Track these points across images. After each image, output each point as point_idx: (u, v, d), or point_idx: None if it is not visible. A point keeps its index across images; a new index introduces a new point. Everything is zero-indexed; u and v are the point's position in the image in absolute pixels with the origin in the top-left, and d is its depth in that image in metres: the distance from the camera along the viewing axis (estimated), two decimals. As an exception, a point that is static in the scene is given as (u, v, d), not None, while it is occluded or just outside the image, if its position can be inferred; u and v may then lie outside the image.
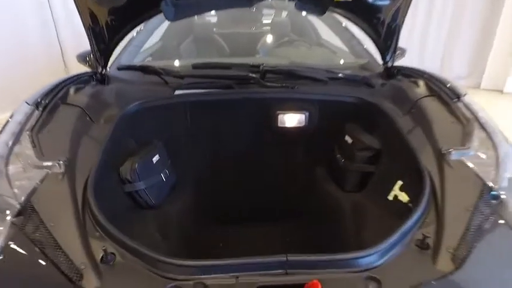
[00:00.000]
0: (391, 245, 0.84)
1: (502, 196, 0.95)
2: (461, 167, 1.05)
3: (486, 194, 0.96)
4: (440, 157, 1.10)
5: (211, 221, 1.70)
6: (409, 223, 0.89)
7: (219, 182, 1.65)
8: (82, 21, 1.49)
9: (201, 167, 1.60)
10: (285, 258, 0.78)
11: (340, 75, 1.67)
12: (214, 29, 2.70)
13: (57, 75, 4.40)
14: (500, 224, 0.90)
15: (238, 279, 0.75)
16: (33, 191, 0.94)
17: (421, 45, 5.68)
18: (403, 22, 1.58)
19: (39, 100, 1.27)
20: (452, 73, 5.71)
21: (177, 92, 1.56)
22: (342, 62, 2.16)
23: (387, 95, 1.58)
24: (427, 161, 1.11)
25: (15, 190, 0.94)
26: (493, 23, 5.12)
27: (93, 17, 1.51)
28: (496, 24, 5.04)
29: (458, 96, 1.35)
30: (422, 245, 0.85)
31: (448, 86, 1.42)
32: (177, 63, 2.04)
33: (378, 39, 1.79)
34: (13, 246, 0.81)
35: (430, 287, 0.75)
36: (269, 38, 2.61)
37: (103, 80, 1.70)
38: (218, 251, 1.59)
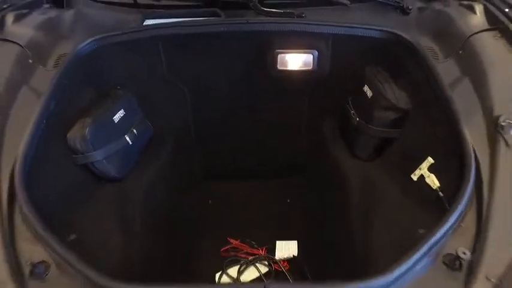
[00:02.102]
0: (413, 263, 0.61)
1: None
2: None
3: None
4: (495, 129, 0.79)
5: (198, 178, 1.50)
6: (441, 231, 0.64)
7: (204, 136, 1.39)
8: None
9: (182, 119, 1.33)
10: None
11: None
12: None
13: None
14: None
15: None
16: None
17: None
18: None
19: None
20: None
21: (147, 22, 1.20)
22: None
23: (427, 25, 1.21)
24: (475, 133, 0.80)
25: None
26: None
27: None
28: None
29: None
30: (453, 264, 0.62)
31: None
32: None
33: None
34: None
35: None
36: None
37: (61, 1, 1.33)
38: (206, 211, 1.42)
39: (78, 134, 0.91)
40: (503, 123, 0.79)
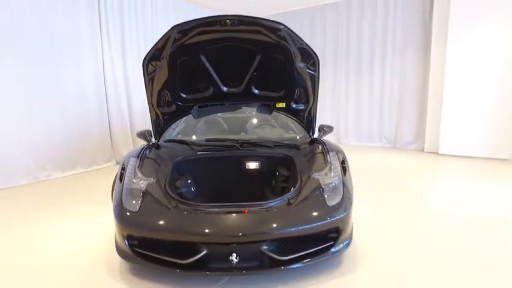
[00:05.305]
0: (279, 201, 2.40)
1: (326, 192, 2.52)
2: (314, 180, 2.65)
3: (318, 188, 2.54)
4: (309, 176, 2.69)
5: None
6: (286, 196, 2.45)
7: (218, 193, 3.19)
8: (151, 117, 3.23)
9: (209, 187, 3.18)
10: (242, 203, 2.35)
11: (282, 143, 3.35)
12: (218, 115, 4.41)
13: (103, 150, 6.47)
14: (318, 196, 2.46)
15: (223, 209, 2.31)
16: (146, 187, 2.54)
17: (379, 120, 7.77)
18: (315, 116, 3.29)
19: (137, 155, 2.93)
20: (405, 139, 7.64)
21: (199, 153, 3.21)
22: (288, 136, 3.82)
23: (304, 153, 3.22)
24: (304, 178, 2.69)
25: (139, 187, 2.54)
26: (424, 103, 7.16)
27: (156, 115, 3.26)
28: (426, 105, 7.09)
29: (328, 152, 2.98)
30: (288, 202, 2.41)
31: (332, 148, 3.05)
32: (197, 137, 3.76)
33: (304, 125, 3.50)
34: (144, 206, 2.39)
35: (276, 208, 2.32)
36: (252, 121, 4.29)
37: (158, 147, 3.38)
38: None
39: (180, 183, 2.77)
40: (310, 174, 2.71)
